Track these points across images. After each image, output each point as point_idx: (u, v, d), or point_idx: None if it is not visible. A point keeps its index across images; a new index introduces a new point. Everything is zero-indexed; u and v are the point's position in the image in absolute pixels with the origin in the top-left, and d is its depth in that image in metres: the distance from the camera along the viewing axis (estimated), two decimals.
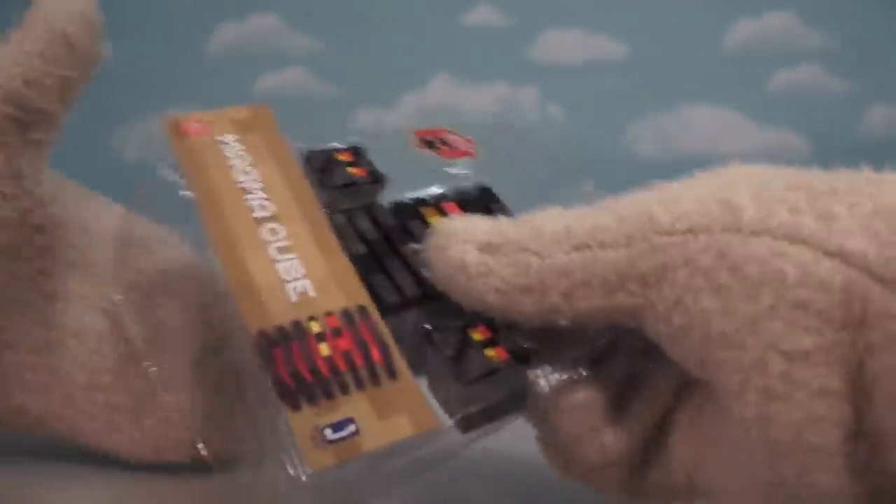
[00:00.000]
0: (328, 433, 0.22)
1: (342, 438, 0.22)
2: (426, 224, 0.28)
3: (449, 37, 0.76)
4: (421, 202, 0.29)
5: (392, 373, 0.23)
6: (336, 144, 0.29)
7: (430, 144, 0.30)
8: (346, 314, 0.24)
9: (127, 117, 0.78)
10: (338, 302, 0.24)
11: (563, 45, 0.78)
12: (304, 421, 0.22)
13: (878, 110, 0.78)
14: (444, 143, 0.31)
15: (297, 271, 0.25)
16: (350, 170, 0.28)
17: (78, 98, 0.28)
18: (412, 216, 0.28)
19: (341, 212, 0.28)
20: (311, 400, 0.22)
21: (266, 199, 0.26)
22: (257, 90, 0.77)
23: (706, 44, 0.78)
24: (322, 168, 0.28)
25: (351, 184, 0.28)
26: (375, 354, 0.23)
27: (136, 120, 0.77)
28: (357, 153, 0.29)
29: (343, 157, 0.29)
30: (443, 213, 0.28)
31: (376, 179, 0.29)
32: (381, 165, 0.29)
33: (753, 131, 0.77)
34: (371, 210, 0.28)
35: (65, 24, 0.27)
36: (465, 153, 0.31)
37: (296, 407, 0.22)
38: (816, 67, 0.78)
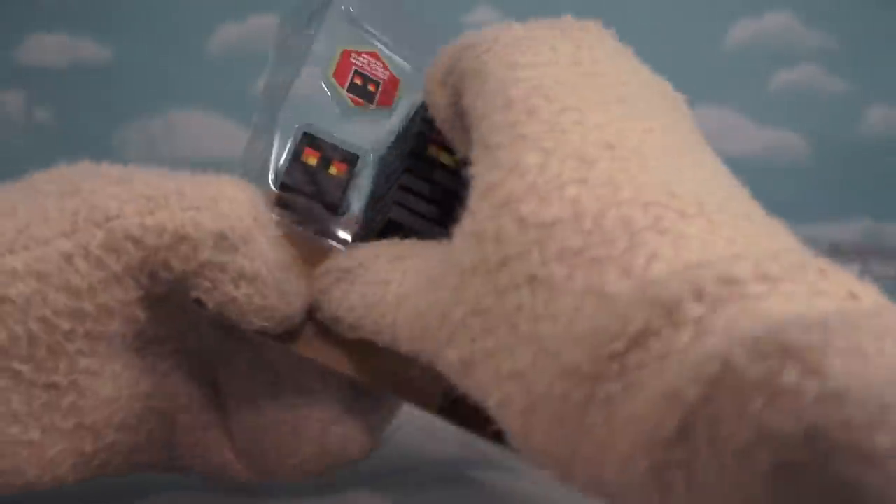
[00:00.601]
0: None
1: None
2: (446, 167, 0.27)
3: (449, 37, 0.76)
4: (422, 142, 0.27)
5: None
6: (287, 142, 0.28)
7: (360, 92, 0.29)
8: None
9: (127, 117, 0.78)
10: None
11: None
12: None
13: (878, 110, 0.78)
14: (368, 79, 0.29)
15: None
16: (332, 172, 0.28)
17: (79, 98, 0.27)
18: (430, 164, 0.27)
19: (390, 224, 0.26)
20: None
21: None
22: (257, 90, 0.77)
23: (706, 44, 0.78)
24: (314, 190, 0.27)
25: (345, 189, 0.28)
26: None
27: (136, 120, 0.78)
28: (316, 142, 0.28)
29: (312, 158, 0.28)
30: (439, 143, 0.27)
31: (354, 167, 0.28)
32: (334, 137, 0.28)
33: (753, 131, 0.77)
34: (411, 189, 0.26)
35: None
36: (393, 84, 0.30)
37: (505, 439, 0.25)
38: (816, 67, 0.78)
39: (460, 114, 0.25)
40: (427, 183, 0.27)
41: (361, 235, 0.28)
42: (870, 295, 0.17)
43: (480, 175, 0.22)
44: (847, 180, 0.76)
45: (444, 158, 0.27)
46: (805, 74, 0.78)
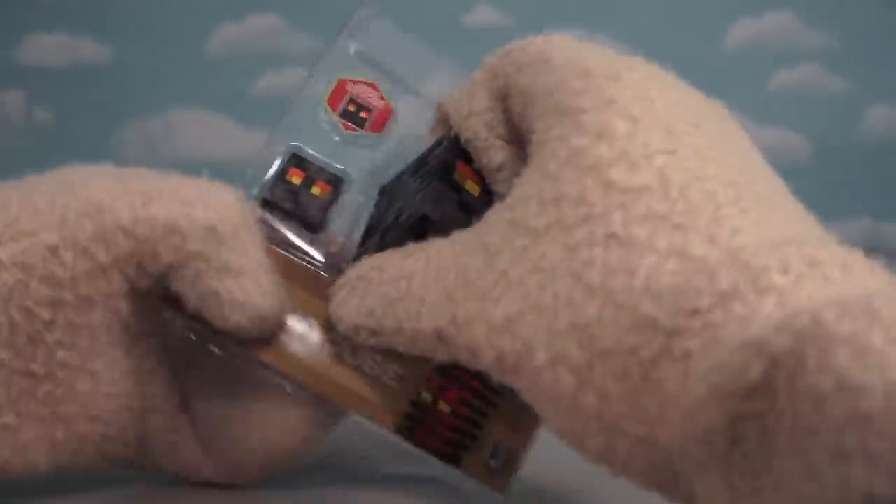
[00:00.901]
0: (493, 463, 0.27)
1: (505, 460, 0.27)
2: (471, 194, 0.27)
3: (449, 37, 0.76)
4: (450, 165, 0.27)
5: (493, 390, 0.27)
6: (276, 161, 0.29)
7: (352, 118, 0.30)
8: (438, 369, 0.27)
9: (126, 117, 0.78)
10: (425, 363, 0.26)
11: None
12: (471, 465, 0.27)
13: (878, 110, 0.78)
14: (362, 107, 0.30)
15: (376, 362, 0.27)
16: (315, 192, 0.28)
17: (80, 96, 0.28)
18: (456, 187, 0.27)
19: (422, 221, 0.26)
20: (466, 449, 0.26)
21: (298, 316, 0.27)
22: (257, 90, 0.77)
23: (706, 44, 0.78)
24: (294, 208, 0.28)
25: (326, 209, 0.28)
26: (476, 385, 0.27)
27: (135, 120, 0.78)
28: (302, 163, 0.29)
29: (296, 177, 0.28)
30: (463, 171, 0.27)
31: (339, 189, 0.28)
32: (321, 159, 0.29)
33: (753, 131, 0.77)
34: (443, 195, 0.26)
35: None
36: (385, 113, 0.30)
37: (459, 461, 0.26)
38: (816, 67, 0.78)
39: (501, 120, 0.26)
40: (457, 194, 0.27)
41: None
42: None
43: (561, 139, 0.22)
44: (847, 180, 0.76)
45: (469, 186, 0.27)
46: (805, 74, 0.78)
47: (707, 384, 0.17)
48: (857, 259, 0.19)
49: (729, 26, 0.78)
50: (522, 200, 0.23)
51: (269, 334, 0.27)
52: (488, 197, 0.27)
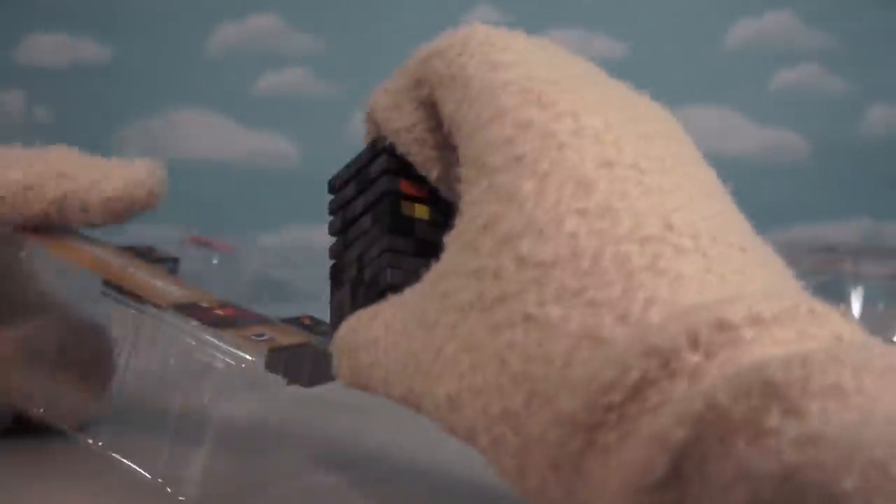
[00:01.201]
0: (255, 337, 0.30)
1: (263, 339, 0.30)
2: (423, 220, 0.28)
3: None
4: (394, 201, 0.28)
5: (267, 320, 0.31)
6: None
7: (205, 244, 0.39)
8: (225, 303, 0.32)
9: (127, 117, 0.78)
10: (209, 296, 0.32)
11: (563, 45, 0.78)
12: (234, 335, 0.30)
13: (878, 110, 0.78)
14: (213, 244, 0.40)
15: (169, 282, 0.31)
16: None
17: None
18: (408, 222, 0.28)
19: (388, 289, 0.28)
20: (232, 328, 0.30)
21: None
22: (257, 90, 0.77)
23: (706, 44, 0.78)
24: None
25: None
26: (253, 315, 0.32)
27: (136, 120, 0.78)
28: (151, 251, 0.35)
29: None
30: (409, 198, 0.28)
31: (177, 263, 0.34)
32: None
33: (753, 131, 0.77)
34: (397, 249, 0.28)
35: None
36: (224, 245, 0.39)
37: (222, 331, 0.30)
38: (816, 67, 0.78)
39: (432, 129, 0.25)
40: (409, 239, 0.27)
41: (339, 296, 0.28)
42: (856, 334, 0.17)
43: (478, 203, 0.22)
44: (847, 180, 0.76)
45: (419, 212, 0.27)
46: (805, 74, 0.78)
47: (618, 480, 0.17)
48: (770, 306, 0.18)
49: (729, 26, 0.78)
50: (450, 270, 0.22)
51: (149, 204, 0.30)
52: (437, 202, 0.27)
